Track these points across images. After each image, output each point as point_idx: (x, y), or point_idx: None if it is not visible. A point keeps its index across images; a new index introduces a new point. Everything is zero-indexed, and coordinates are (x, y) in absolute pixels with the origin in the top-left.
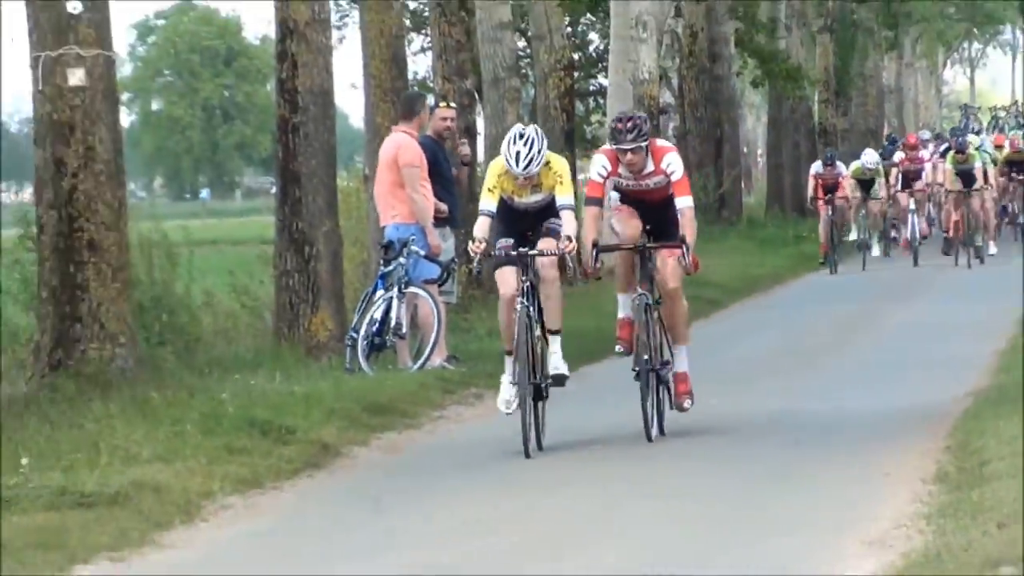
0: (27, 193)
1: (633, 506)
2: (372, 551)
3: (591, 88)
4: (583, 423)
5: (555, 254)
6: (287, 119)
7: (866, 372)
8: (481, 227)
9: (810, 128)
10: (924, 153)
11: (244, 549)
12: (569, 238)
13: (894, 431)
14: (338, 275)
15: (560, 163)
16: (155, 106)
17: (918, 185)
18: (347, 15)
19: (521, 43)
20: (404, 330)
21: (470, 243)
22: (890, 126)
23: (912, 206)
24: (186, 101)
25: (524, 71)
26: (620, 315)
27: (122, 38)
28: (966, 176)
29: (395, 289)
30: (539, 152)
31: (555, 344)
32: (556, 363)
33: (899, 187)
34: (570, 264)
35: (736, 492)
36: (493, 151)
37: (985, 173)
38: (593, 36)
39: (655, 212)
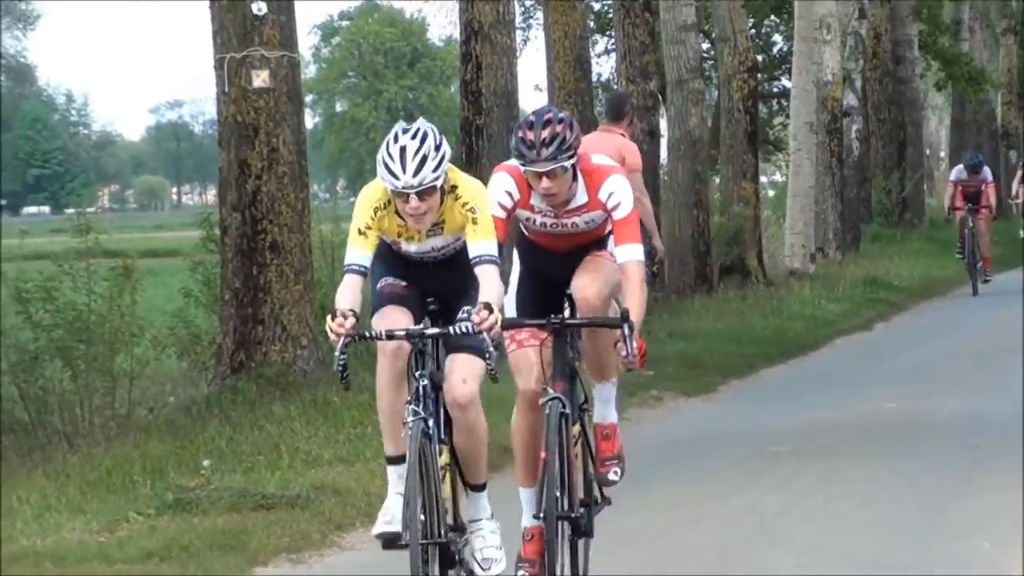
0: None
1: (813, 509)
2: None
3: (775, 90)
4: (768, 422)
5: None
6: (471, 120)
7: None
8: (346, 293)
9: (993, 130)
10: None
11: None
12: (489, 308)
13: None
14: None
15: (473, 189)
16: (339, 107)
17: None
18: (532, 16)
19: (705, 45)
20: None
21: (328, 319)
22: None
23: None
24: (370, 103)
25: (708, 73)
26: (524, 522)
27: (306, 39)
28: None
29: None
30: (436, 150)
31: (477, 504)
32: (478, 546)
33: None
34: (490, 351)
35: (916, 496)
36: (675, 153)
37: None
38: (777, 38)
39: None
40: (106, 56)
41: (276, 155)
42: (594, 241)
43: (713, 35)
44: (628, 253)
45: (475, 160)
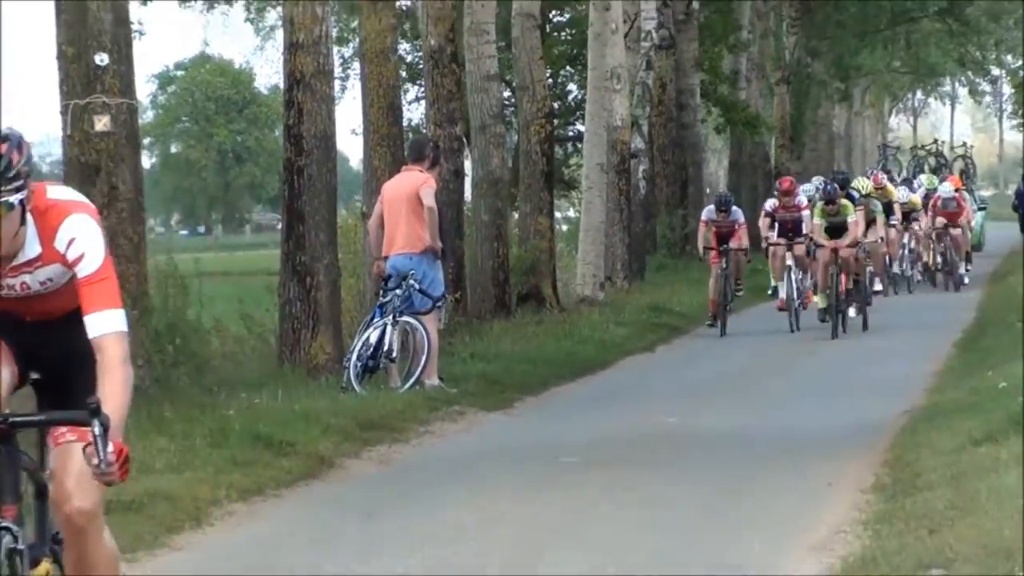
0: None
1: (600, 514)
2: (363, 554)
3: (570, 134)
4: (559, 435)
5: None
6: (293, 162)
7: (811, 391)
8: None
9: (767, 171)
10: (802, 199)
11: (247, 552)
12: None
13: (837, 445)
14: (336, 303)
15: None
16: (174, 149)
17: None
18: (349, 67)
19: (506, 93)
20: (395, 355)
21: None
22: (839, 169)
23: (789, 261)
24: (202, 145)
25: (508, 118)
26: None
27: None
28: (836, 229)
29: (390, 317)
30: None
31: None
32: None
33: (773, 237)
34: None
35: (694, 500)
36: (478, 191)
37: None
38: (572, 87)
39: (47, 346)
40: None
41: (116, 192)
42: (73, 313)
43: (514, 84)
44: (103, 324)
45: (296, 197)
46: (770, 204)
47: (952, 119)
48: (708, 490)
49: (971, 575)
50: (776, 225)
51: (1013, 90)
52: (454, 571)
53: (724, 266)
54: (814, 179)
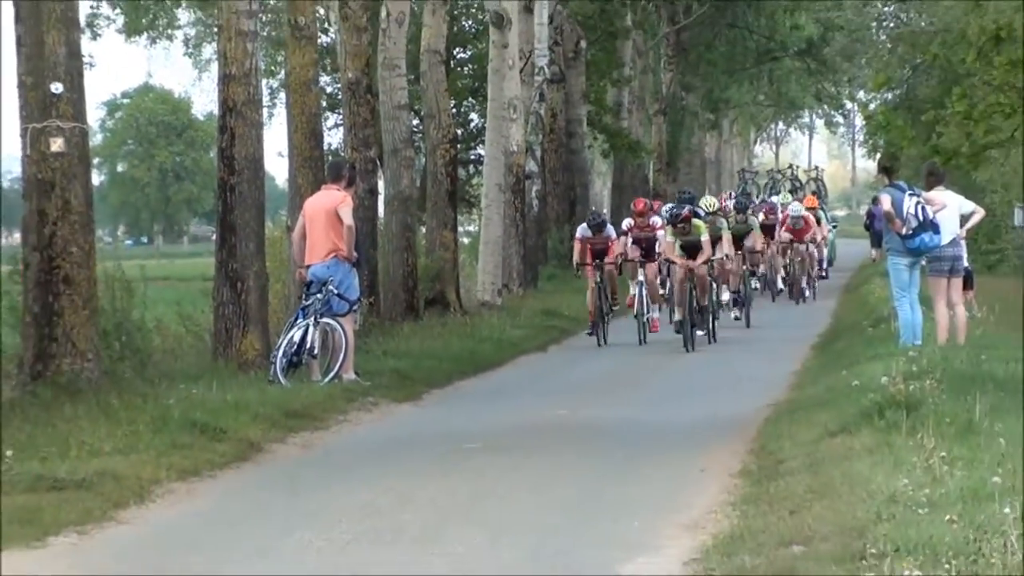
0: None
1: (498, 494)
2: (288, 528)
3: (471, 157)
4: (462, 424)
5: None
6: (226, 180)
7: (686, 388)
8: None
9: (646, 192)
10: (656, 219)
11: (186, 525)
12: None
13: (709, 435)
14: (264, 306)
15: None
16: (120, 168)
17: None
18: (276, 96)
19: (415, 121)
20: (316, 351)
21: None
22: (710, 190)
23: (640, 277)
24: (145, 165)
25: (417, 144)
26: None
27: (94, 113)
28: (692, 248)
29: (311, 319)
30: None
31: None
32: None
33: (628, 256)
34: None
35: (581, 484)
36: (389, 208)
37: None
38: (473, 115)
39: None
40: None
41: (69, 206)
42: None
43: (422, 113)
44: None
45: (229, 212)
46: (626, 224)
47: (810, 147)
48: (594, 475)
49: (827, 552)
50: (633, 244)
51: (864, 122)
52: (369, 544)
53: (599, 280)
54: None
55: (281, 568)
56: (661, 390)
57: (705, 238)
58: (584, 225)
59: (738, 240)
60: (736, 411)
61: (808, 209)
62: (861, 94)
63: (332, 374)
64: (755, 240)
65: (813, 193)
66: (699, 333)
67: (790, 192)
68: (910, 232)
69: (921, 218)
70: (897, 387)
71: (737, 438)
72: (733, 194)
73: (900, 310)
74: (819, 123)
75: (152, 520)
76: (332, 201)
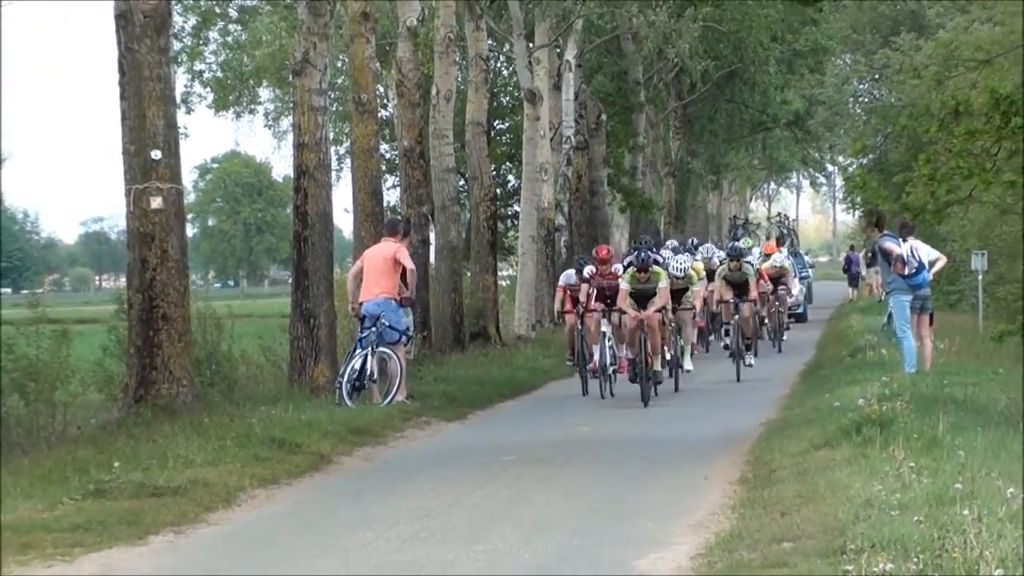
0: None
1: (532, 499)
2: (353, 528)
3: (509, 213)
4: (502, 439)
5: None
6: (300, 233)
7: (690, 410)
8: None
9: (659, 242)
10: (618, 267)
11: (266, 526)
12: None
13: (713, 448)
14: (333, 339)
15: None
16: (210, 223)
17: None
18: (343, 161)
19: (461, 182)
20: (375, 377)
21: None
22: (712, 240)
23: (604, 327)
24: (231, 220)
25: (462, 201)
26: None
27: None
28: (645, 296)
29: (369, 348)
30: None
31: None
32: None
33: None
34: None
35: (602, 490)
36: (440, 256)
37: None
38: (510, 177)
39: None
40: (48, 183)
41: (166, 255)
42: None
43: (467, 175)
44: None
45: (303, 259)
46: (588, 271)
47: (797, 203)
48: (613, 482)
49: (813, 547)
50: (595, 291)
51: (843, 182)
52: (422, 542)
53: (580, 327)
54: (702, 246)
55: (347, 563)
56: (668, 411)
57: (663, 285)
58: (570, 271)
59: (734, 288)
60: (734, 428)
61: (765, 255)
62: (841, 158)
63: (390, 397)
64: (752, 289)
65: (778, 239)
66: (655, 388)
67: (777, 239)
68: (912, 272)
69: (917, 260)
70: (872, 408)
71: (735, 451)
72: (728, 243)
73: (906, 339)
74: (805, 183)
75: (237, 521)
76: (388, 250)
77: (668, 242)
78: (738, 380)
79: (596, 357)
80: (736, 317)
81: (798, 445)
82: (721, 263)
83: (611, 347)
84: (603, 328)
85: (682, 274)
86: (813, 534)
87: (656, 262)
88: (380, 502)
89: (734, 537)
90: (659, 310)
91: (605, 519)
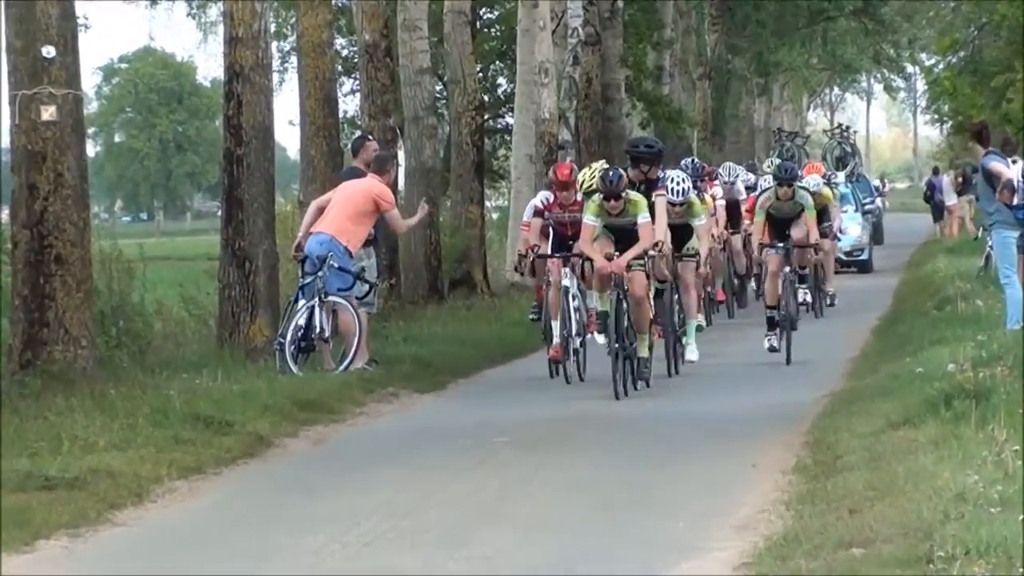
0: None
1: (528, 492)
2: (301, 531)
3: (499, 126)
4: (490, 416)
5: None
6: (232, 151)
7: (730, 375)
8: None
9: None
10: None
11: (188, 528)
12: None
13: (760, 428)
14: (274, 287)
15: None
16: (117, 139)
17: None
18: (287, 60)
19: (438, 86)
20: (327, 335)
21: None
22: (759, 161)
23: (566, 280)
24: (144, 135)
25: (440, 111)
26: None
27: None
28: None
29: (315, 299)
30: None
31: None
32: None
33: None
34: None
35: (619, 482)
36: (411, 181)
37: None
38: (501, 80)
39: None
40: None
41: (61, 180)
42: None
43: (445, 78)
44: None
45: (235, 186)
46: (541, 199)
47: (868, 113)
48: (632, 471)
49: (891, 554)
50: (551, 232)
51: (927, 87)
52: (388, 547)
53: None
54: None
55: (292, 573)
56: (703, 380)
57: (644, 219)
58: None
59: (780, 226)
60: (789, 401)
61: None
62: (923, 56)
63: (347, 362)
64: (808, 228)
65: (839, 160)
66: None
67: (837, 159)
68: (1021, 202)
69: None
70: (965, 375)
71: (790, 430)
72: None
73: (1010, 287)
74: (878, 88)
75: (151, 522)
76: (370, 188)
77: (684, 161)
78: (788, 363)
79: (556, 336)
80: (786, 269)
81: (870, 423)
82: (751, 190)
83: (577, 309)
84: (565, 282)
85: (680, 199)
86: (890, 537)
87: (646, 184)
88: (335, 497)
89: (789, 541)
90: (641, 258)
91: (622, 517)
